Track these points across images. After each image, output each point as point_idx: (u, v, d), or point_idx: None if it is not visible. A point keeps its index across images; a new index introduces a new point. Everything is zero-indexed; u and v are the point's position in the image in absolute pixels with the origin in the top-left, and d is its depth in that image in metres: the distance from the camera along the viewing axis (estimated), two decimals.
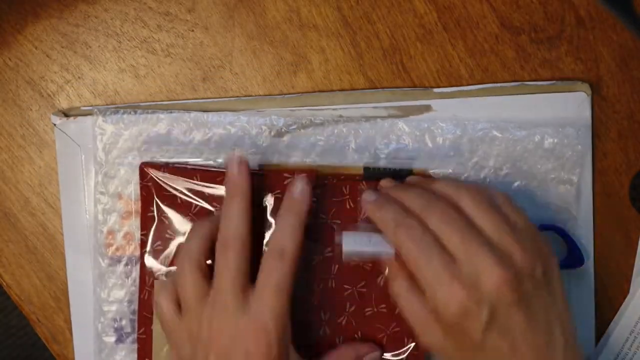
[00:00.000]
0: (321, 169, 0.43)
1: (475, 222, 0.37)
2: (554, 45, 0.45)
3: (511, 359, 0.36)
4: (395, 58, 0.45)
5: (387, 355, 0.42)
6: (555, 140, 0.43)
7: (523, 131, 0.43)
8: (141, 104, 0.45)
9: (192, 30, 0.45)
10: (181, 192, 0.42)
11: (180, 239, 0.42)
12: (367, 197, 0.41)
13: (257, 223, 0.40)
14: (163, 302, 0.40)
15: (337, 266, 0.42)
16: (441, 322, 0.36)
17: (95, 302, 0.44)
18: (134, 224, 0.43)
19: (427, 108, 0.44)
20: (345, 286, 0.42)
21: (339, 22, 0.44)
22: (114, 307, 0.44)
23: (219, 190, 0.42)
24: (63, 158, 0.44)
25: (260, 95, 0.45)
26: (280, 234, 0.39)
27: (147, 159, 0.43)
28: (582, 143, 0.44)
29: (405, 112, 0.44)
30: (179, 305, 0.40)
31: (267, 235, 0.41)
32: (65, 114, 0.44)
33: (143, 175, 0.43)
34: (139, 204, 0.43)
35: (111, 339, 0.44)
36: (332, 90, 0.45)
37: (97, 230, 0.44)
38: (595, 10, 0.44)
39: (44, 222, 0.45)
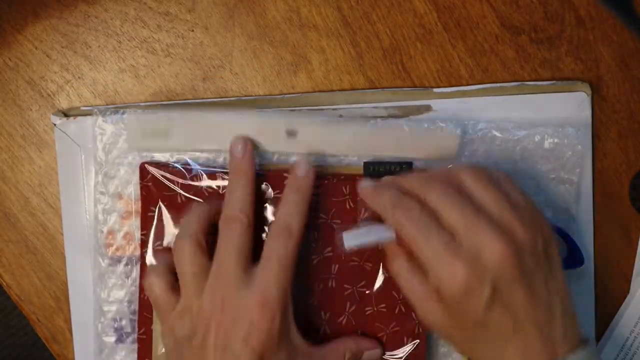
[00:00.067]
0: (321, 169, 0.43)
1: (476, 198, 0.37)
2: (554, 45, 0.45)
3: (513, 335, 0.36)
4: (395, 58, 0.45)
5: (387, 354, 0.42)
6: (555, 140, 0.43)
7: (523, 131, 0.43)
8: (141, 104, 0.45)
9: (192, 30, 0.45)
10: (181, 192, 0.42)
11: None
12: (364, 184, 0.40)
13: (257, 222, 0.40)
14: (155, 281, 0.40)
15: (337, 266, 0.42)
16: (443, 301, 0.36)
17: (95, 302, 0.44)
18: (134, 224, 0.43)
19: (427, 108, 0.44)
20: (345, 286, 0.42)
21: (339, 22, 0.44)
22: (114, 307, 0.44)
23: (219, 190, 0.42)
24: (63, 158, 0.44)
25: (260, 95, 0.45)
26: (286, 210, 0.39)
27: (147, 158, 0.43)
28: (582, 143, 0.44)
29: (405, 112, 0.44)
30: (172, 285, 0.40)
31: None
32: (65, 114, 0.44)
33: (143, 174, 0.42)
34: (139, 203, 0.43)
35: (111, 339, 0.44)
36: (332, 90, 0.45)
37: (97, 230, 0.44)
38: (595, 10, 0.44)
39: (44, 222, 0.45)
